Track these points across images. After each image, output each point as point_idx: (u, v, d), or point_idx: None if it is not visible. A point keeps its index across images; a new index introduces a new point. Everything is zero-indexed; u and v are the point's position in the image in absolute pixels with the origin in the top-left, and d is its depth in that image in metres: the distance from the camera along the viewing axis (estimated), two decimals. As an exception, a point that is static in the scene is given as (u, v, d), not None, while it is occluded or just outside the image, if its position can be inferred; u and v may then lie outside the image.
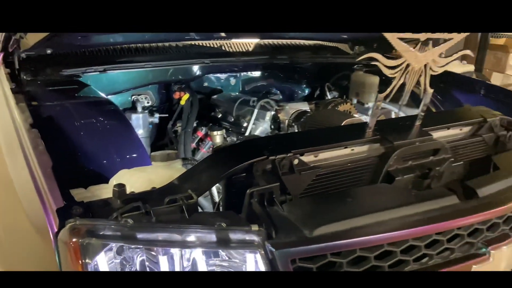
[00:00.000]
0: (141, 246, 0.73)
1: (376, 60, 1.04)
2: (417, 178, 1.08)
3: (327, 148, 1.03)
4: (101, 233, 0.71)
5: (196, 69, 1.80)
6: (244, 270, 0.79)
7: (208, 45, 1.82)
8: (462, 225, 1.00)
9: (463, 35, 1.11)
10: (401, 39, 1.03)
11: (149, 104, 1.76)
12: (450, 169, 1.11)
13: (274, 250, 0.78)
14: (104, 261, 0.71)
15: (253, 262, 0.78)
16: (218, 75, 1.95)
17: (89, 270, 0.71)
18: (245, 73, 2.02)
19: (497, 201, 1.05)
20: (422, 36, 1.05)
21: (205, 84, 1.97)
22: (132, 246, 0.73)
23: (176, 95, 1.70)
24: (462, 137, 1.26)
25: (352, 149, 1.08)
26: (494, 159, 1.19)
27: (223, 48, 1.86)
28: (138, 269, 0.75)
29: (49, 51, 1.48)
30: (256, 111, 1.69)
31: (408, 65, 1.09)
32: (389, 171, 1.05)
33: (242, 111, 1.74)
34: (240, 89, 2.06)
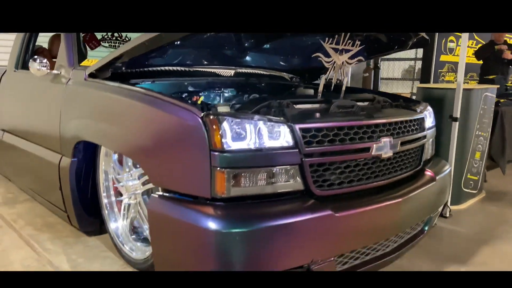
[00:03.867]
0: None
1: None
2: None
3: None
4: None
5: (203, 83, 2.85)
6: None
7: (210, 70, 2.91)
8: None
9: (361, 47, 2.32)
10: (332, 48, 2.20)
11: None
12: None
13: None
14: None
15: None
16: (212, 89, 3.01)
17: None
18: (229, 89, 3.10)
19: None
20: (340, 47, 2.23)
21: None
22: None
23: (194, 99, 2.71)
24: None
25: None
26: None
27: (218, 72, 2.95)
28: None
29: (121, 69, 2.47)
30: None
31: (334, 62, 2.26)
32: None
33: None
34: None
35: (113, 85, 2.25)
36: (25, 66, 3.41)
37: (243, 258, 1.67)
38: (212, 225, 1.65)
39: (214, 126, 1.69)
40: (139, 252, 2.30)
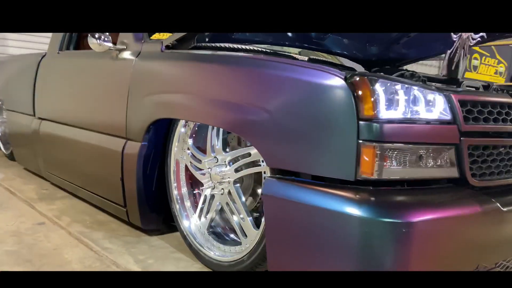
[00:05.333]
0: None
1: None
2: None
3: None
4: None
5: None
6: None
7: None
8: None
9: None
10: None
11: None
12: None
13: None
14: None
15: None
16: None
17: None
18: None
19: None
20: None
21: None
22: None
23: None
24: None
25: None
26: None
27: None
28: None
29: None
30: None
31: (460, 36, 1.95)
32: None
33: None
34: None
35: (207, 53, 1.92)
36: (70, 48, 3.09)
37: (396, 256, 1.32)
38: (359, 211, 1.31)
39: (364, 90, 1.35)
40: (223, 252, 1.93)
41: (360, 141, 1.34)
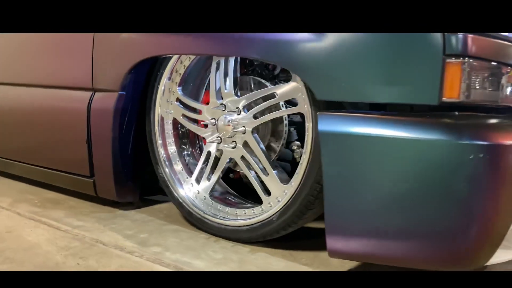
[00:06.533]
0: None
1: None
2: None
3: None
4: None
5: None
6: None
7: None
8: None
9: None
10: None
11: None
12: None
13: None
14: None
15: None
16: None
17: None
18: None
19: None
20: None
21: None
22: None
23: None
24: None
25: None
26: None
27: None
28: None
29: None
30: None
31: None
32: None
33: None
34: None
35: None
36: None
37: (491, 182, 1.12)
38: (450, 137, 1.10)
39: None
40: (234, 216, 1.62)
41: (447, 56, 1.12)
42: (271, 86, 1.53)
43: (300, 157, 1.54)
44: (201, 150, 1.86)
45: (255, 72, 1.69)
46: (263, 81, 1.61)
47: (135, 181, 1.88)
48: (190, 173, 1.78)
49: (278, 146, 1.59)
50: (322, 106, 1.30)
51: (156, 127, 1.78)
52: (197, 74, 1.79)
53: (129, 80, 1.71)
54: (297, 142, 1.59)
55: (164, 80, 1.74)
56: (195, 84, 1.80)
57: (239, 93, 1.60)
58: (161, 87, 1.75)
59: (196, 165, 1.78)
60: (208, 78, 1.73)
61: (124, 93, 1.72)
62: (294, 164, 1.57)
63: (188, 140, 1.86)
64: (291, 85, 1.43)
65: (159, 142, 1.79)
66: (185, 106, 1.75)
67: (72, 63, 1.89)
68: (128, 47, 1.68)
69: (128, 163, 1.83)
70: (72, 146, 1.91)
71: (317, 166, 1.34)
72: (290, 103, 1.52)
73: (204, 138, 1.75)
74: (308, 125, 1.38)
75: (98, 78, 1.77)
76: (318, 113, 1.27)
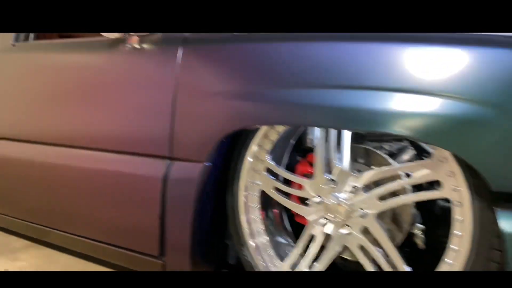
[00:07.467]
0: None
1: None
2: None
3: None
4: None
5: None
6: None
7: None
8: None
9: None
10: None
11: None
12: None
13: None
14: None
15: None
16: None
17: None
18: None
19: None
20: None
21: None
22: None
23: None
24: None
25: None
26: None
27: None
28: None
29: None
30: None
31: None
32: None
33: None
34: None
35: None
36: (29, 38, 2.24)
37: None
38: None
39: None
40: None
41: None
42: (408, 164, 1.32)
43: (422, 242, 1.32)
44: (283, 222, 1.63)
45: (369, 141, 1.49)
46: (383, 155, 1.40)
47: (211, 264, 1.65)
48: (280, 257, 1.54)
49: (400, 233, 1.37)
50: (495, 198, 1.08)
51: (241, 201, 1.56)
52: (285, 140, 1.59)
53: (216, 149, 1.50)
54: (421, 226, 1.37)
55: (253, 147, 1.53)
56: (281, 150, 1.60)
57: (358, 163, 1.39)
58: (248, 155, 1.54)
59: (286, 245, 1.55)
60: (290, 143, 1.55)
61: (210, 164, 1.50)
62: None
63: (273, 215, 1.64)
64: (437, 165, 1.22)
65: (243, 217, 1.56)
66: (277, 177, 1.53)
67: (140, 124, 1.68)
68: (218, 113, 1.47)
69: (208, 242, 1.60)
70: (138, 220, 1.66)
71: (480, 266, 1.12)
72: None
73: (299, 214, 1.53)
74: (464, 218, 1.17)
75: (179, 146, 1.55)
76: (497, 208, 1.05)
